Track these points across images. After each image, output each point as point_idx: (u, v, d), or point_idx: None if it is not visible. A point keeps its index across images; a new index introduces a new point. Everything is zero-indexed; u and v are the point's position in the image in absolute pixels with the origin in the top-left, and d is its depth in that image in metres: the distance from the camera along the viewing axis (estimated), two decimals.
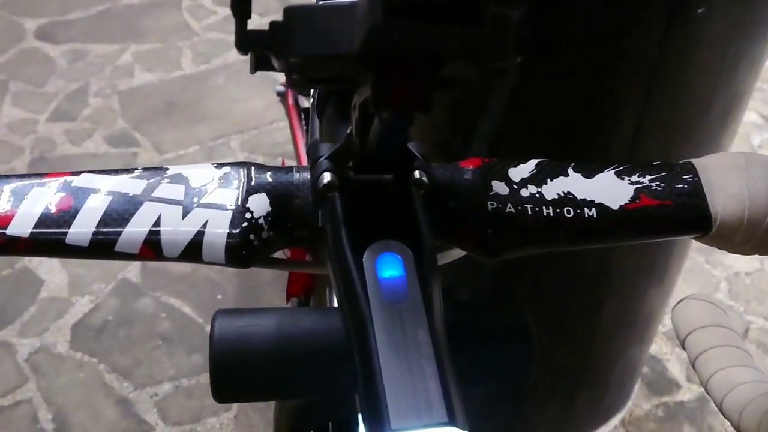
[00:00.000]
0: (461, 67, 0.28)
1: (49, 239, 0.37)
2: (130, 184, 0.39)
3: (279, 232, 0.38)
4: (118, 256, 0.38)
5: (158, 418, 1.21)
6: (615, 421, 1.21)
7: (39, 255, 0.38)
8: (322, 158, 0.38)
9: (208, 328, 1.37)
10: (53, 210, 0.38)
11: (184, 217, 0.38)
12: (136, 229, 0.37)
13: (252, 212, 0.38)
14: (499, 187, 0.40)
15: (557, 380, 1.05)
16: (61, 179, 0.39)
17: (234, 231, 0.37)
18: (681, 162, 0.43)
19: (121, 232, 0.37)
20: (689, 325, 0.45)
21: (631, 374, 1.17)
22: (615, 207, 0.40)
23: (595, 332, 1.02)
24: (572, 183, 0.40)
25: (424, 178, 0.38)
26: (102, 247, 0.37)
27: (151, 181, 0.39)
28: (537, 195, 0.40)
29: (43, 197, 0.38)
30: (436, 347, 0.31)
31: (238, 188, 0.39)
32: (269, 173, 0.40)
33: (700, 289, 1.46)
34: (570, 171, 0.41)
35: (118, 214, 0.38)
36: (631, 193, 0.40)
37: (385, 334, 0.31)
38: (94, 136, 1.78)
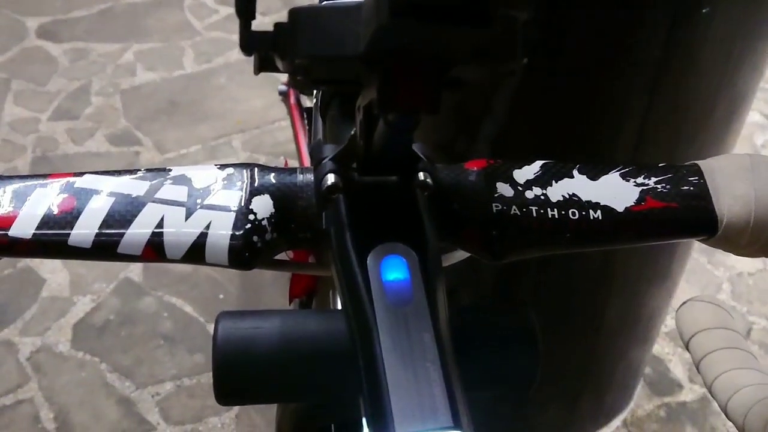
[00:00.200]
0: (468, 68, 0.27)
1: (52, 241, 0.37)
2: (133, 186, 0.39)
3: (282, 234, 0.38)
4: (121, 257, 0.38)
5: (160, 418, 1.21)
6: (617, 421, 1.21)
7: (42, 256, 0.38)
8: (325, 159, 0.38)
9: (209, 328, 1.37)
10: (56, 211, 0.37)
11: (187, 219, 0.38)
12: (139, 230, 0.37)
13: (255, 214, 0.38)
14: (504, 189, 0.40)
15: (559, 381, 1.05)
16: (64, 180, 0.39)
17: (237, 233, 0.37)
18: (686, 164, 0.43)
19: (124, 233, 0.37)
20: (694, 326, 0.45)
21: (633, 375, 1.17)
22: (620, 209, 0.40)
23: (597, 333, 1.01)
24: (577, 185, 0.40)
25: (428, 180, 0.38)
26: (105, 248, 0.37)
27: (154, 182, 0.39)
28: (542, 197, 0.39)
29: (46, 198, 0.38)
30: (441, 351, 0.31)
31: (242, 190, 0.38)
32: (273, 174, 0.39)
33: (703, 289, 1.46)
34: (575, 173, 0.41)
35: (121, 215, 0.38)
36: (637, 195, 0.40)
37: (389, 337, 0.31)
38: (96, 135, 1.78)
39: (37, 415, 1.21)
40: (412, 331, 0.32)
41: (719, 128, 0.82)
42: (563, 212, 0.39)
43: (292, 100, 1.28)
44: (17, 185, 0.39)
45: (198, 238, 0.37)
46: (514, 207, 0.39)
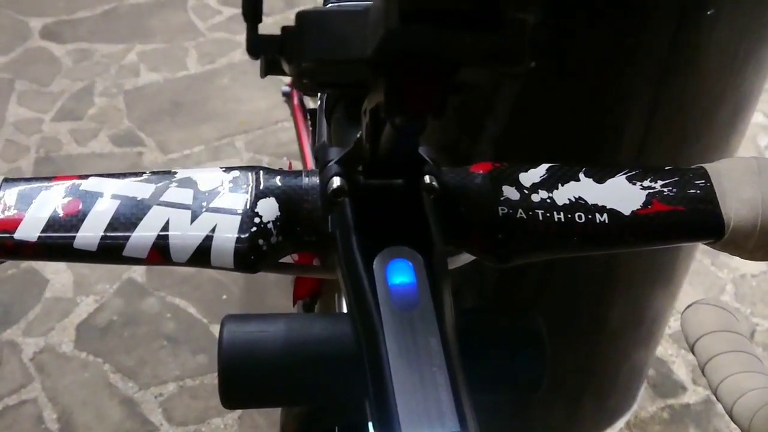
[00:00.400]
0: (476, 71, 0.27)
1: (57, 243, 0.37)
2: (139, 188, 0.39)
3: (288, 237, 0.38)
4: (126, 260, 0.38)
5: (163, 419, 1.21)
6: (620, 423, 1.21)
7: (47, 259, 0.38)
8: (331, 162, 0.38)
9: (212, 329, 1.37)
10: (61, 214, 0.37)
11: (192, 222, 0.37)
12: (145, 233, 0.37)
13: (261, 217, 0.38)
14: (510, 192, 0.39)
15: (563, 383, 1.05)
16: (69, 183, 0.39)
17: (243, 236, 0.37)
18: (693, 167, 0.42)
19: (130, 236, 0.37)
20: (699, 330, 0.44)
21: (636, 376, 1.17)
22: (627, 212, 0.39)
23: (601, 334, 1.01)
24: (583, 188, 0.40)
25: (434, 183, 0.38)
26: (110, 251, 0.37)
27: (159, 185, 0.39)
28: (548, 200, 0.39)
29: (51, 201, 0.38)
30: (448, 355, 0.31)
31: (247, 192, 0.38)
32: (278, 177, 0.39)
33: (706, 291, 1.46)
34: (581, 176, 0.41)
35: (126, 218, 0.38)
36: (643, 199, 0.40)
37: (395, 341, 0.31)
38: (100, 136, 1.78)
39: (40, 415, 1.21)
40: (418, 335, 0.32)
41: (723, 130, 0.82)
42: (569, 216, 0.39)
43: (296, 101, 1.28)
44: (22, 188, 0.39)
45: (203, 241, 0.37)
46: (520, 210, 0.39)
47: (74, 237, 0.37)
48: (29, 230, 0.37)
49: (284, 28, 0.29)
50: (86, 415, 1.22)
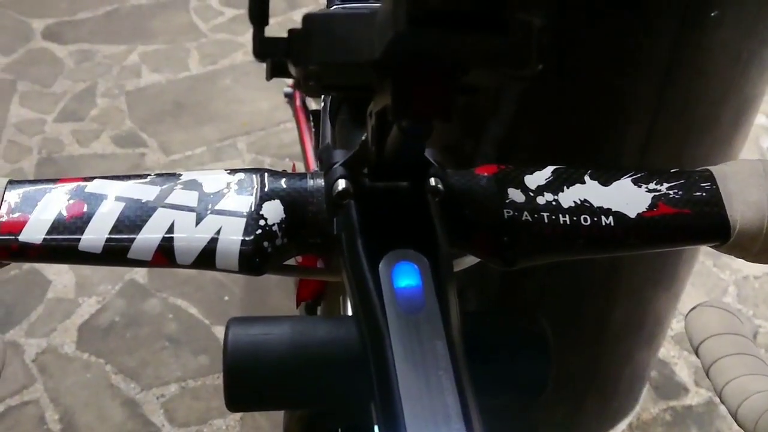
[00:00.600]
0: (484, 74, 0.27)
1: (62, 246, 0.37)
2: (143, 190, 0.39)
3: (293, 239, 0.38)
4: (131, 262, 0.37)
5: (165, 420, 1.21)
6: (623, 425, 1.21)
7: (52, 261, 0.38)
8: (336, 165, 0.38)
9: (214, 330, 1.37)
10: (66, 216, 0.37)
11: (197, 224, 0.37)
12: (149, 235, 0.37)
13: (266, 219, 0.38)
14: (515, 195, 0.39)
15: (565, 384, 1.05)
16: (74, 185, 0.39)
17: (248, 238, 0.37)
18: (698, 169, 0.42)
19: (134, 238, 0.37)
20: (703, 332, 0.44)
21: (639, 378, 1.17)
22: (632, 215, 0.39)
23: (603, 336, 1.01)
24: (589, 190, 0.40)
25: (439, 186, 0.37)
26: (115, 253, 0.37)
27: (164, 187, 0.39)
28: (553, 203, 0.39)
29: (56, 203, 0.38)
30: (454, 358, 0.31)
31: (252, 195, 0.38)
32: (283, 180, 0.39)
33: (708, 292, 1.46)
34: (586, 178, 0.41)
35: (131, 220, 0.37)
36: (649, 201, 0.40)
37: (401, 345, 0.31)
38: (102, 137, 1.78)
39: (42, 416, 1.21)
40: (424, 338, 0.32)
41: (727, 131, 0.82)
42: (575, 218, 0.39)
43: (298, 102, 1.28)
44: (27, 190, 0.39)
45: (208, 243, 0.37)
46: (525, 213, 0.39)
47: (79, 239, 0.37)
48: (34, 232, 0.37)
49: (291, 31, 0.29)
50: (88, 415, 1.22)
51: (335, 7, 0.52)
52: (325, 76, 0.29)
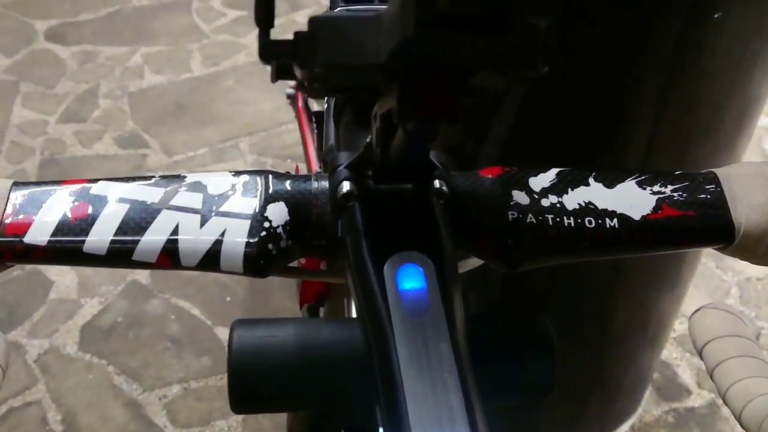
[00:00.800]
0: (490, 76, 0.27)
1: (67, 247, 0.37)
2: (148, 192, 0.39)
3: (297, 241, 0.38)
4: (136, 264, 0.37)
5: (167, 421, 1.21)
6: (625, 426, 1.21)
7: (56, 263, 0.38)
8: (341, 167, 0.38)
9: (216, 331, 1.37)
10: (71, 218, 0.37)
11: (202, 226, 0.37)
12: (154, 237, 0.37)
13: (270, 221, 0.38)
14: (520, 197, 0.39)
15: (568, 386, 1.05)
16: (78, 186, 0.39)
17: (252, 240, 0.37)
18: (703, 171, 0.42)
19: (139, 240, 0.37)
20: (707, 334, 0.44)
21: (642, 380, 1.17)
22: (637, 217, 0.39)
23: (606, 338, 1.01)
24: (593, 193, 0.40)
25: (444, 188, 0.37)
26: (119, 255, 0.37)
27: (168, 189, 0.39)
28: (558, 205, 0.39)
29: (61, 205, 0.38)
30: (459, 361, 0.31)
31: (257, 196, 0.38)
32: (288, 181, 0.39)
33: (711, 294, 1.46)
34: (591, 180, 0.41)
35: (136, 222, 0.37)
36: (653, 204, 0.40)
37: (406, 347, 0.31)
38: (104, 138, 1.79)
39: (44, 417, 1.21)
40: (429, 340, 0.32)
41: (730, 132, 0.82)
42: (579, 220, 0.39)
43: (300, 103, 1.28)
44: (32, 191, 0.39)
45: (213, 245, 0.37)
46: (529, 215, 0.39)
47: (84, 241, 0.37)
48: (39, 234, 0.37)
49: (297, 33, 0.29)
50: (90, 416, 1.22)
51: (339, 9, 0.52)
52: (330, 78, 0.29)
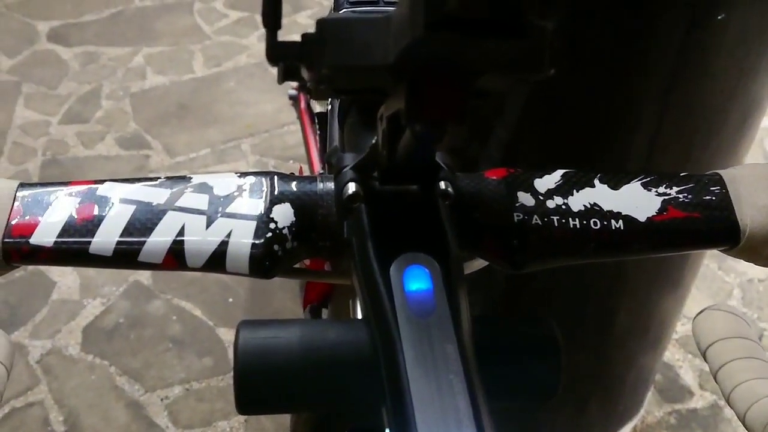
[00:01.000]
0: (497, 78, 0.27)
1: (73, 248, 0.37)
2: (154, 193, 0.39)
3: (303, 242, 0.38)
4: (142, 265, 0.38)
5: (169, 421, 1.21)
6: (627, 428, 1.21)
7: (63, 264, 0.38)
8: (346, 168, 0.38)
9: (218, 332, 1.37)
10: (76, 219, 0.38)
11: (207, 227, 0.38)
12: (160, 238, 0.37)
13: (276, 222, 0.38)
14: (525, 198, 0.39)
15: (570, 387, 1.04)
16: (84, 187, 0.39)
17: (258, 241, 0.37)
18: (708, 173, 0.42)
19: (145, 241, 0.37)
20: (711, 336, 0.44)
21: (643, 381, 1.17)
22: (642, 219, 0.39)
23: (608, 339, 1.01)
24: (598, 194, 0.40)
25: (449, 189, 0.38)
26: (125, 256, 0.37)
27: (174, 190, 0.39)
28: (563, 206, 0.39)
29: (67, 206, 0.38)
30: (465, 362, 0.31)
31: (262, 198, 0.38)
32: (293, 183, 0.39)
33: (713, 295, 1.46)
34: (596, 182, 0.41)
35: (142, 223, 0.38)
36: (659, 205, 0.40)
37: (412, 349, 0.31)
38: (106, 139, 1.79)
39: (46, 417, 1.21)
40: (435, 342, 0.32)
41: (733, 133, 0.81)
42: (585, 222, 0.39)
43: (302, 104, 1.28)
44: (38, 192, 0.39)
45: (219, 246, 0.37)
46: (535, 216, 0.39)
47: (90, 242, 0.37)
48: (45, 235, 0.37)
49: (304, 35, 0.29)
50: (93, 417, 1.22)
51: (345, 10, 0.52)
52: (337, 79, 0.29)
